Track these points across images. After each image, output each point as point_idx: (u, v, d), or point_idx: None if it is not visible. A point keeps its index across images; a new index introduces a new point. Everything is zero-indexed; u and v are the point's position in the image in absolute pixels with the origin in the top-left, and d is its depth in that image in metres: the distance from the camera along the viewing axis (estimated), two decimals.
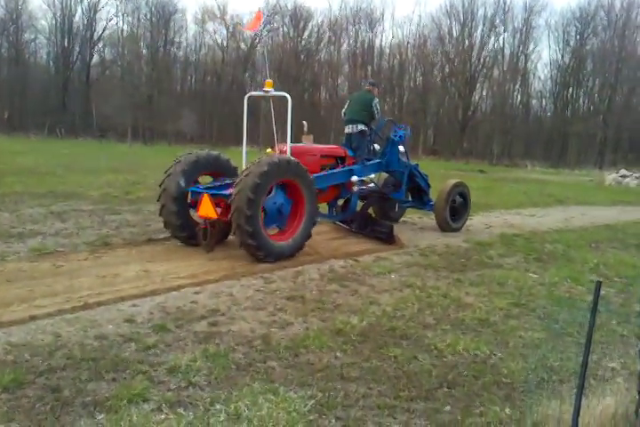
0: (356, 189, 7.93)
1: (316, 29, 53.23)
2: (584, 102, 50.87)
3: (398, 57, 53.90)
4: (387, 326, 4.39)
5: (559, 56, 50.96)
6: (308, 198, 6.63)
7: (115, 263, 5.88)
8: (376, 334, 4.19)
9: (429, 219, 9.69)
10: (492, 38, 51.14)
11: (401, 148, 8.79)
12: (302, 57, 52.97)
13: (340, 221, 8.28)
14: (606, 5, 47.56)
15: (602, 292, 5.77)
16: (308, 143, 7.86)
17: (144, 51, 50.13)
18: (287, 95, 6.98)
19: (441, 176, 22.84)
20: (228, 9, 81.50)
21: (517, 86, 51.99)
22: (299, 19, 52.56)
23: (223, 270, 5.79)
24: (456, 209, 9.06)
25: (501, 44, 50.82)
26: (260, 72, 52.28)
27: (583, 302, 5.41)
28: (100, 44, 50.76)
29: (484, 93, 53.33)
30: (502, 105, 50.24)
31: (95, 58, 50.82)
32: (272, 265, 6.08)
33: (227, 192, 6.35)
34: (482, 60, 51.77)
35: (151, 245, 6.87)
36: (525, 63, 51.80)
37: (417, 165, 9.26)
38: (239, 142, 47.57)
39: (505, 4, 49.97)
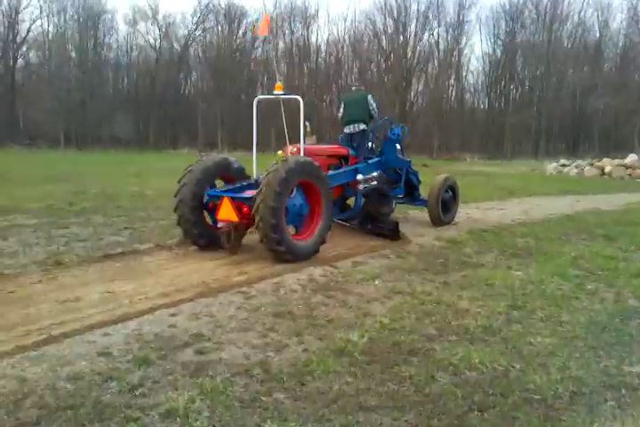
0: (361, 187, 7.98)
1: (251, 27, 52.46)
2: (517, 94, 52.13)
3: (335, 54, 53.87)
4: (390, 340, 4.03)
5: (491, 50, 52.13)
6: (325, 198, 6.78)
7: (73, 285, 5.29)
8: (381, 352, 3.82)
9: (398, 214, 9.50)
10: (426, 34, 51.74)
11: (397, 145, 8.99)
12: (237, 55, 52.17)
13: (342, 219, 8.25)
14: (534, 1, 48.91)
15: (589, 286, 5.69)
16: (312, 143, 7.79)
17: (72, 53, 48.16)
18: (299, 98, 7.03)
19: None
20: (160, 9, 79.73)
21: (452, 81, 52.83)
22: (233, 17, 51.69)
23: (195, 287, 5.31)
24: (446, 203, 9.31)
25: (435, 39, 51.50)
26: (197, 71, 51.36)
27: (577, 299, 5.22)
28: (25, 47, 48.44)
29: (421, 88, 53.89)
30: (438, 99, 50.99)
31: (20, 62, 48.42)
32: (246, 278, 5.65)
33: (247, 195, 6.54)
34: (417, 55, 52.39)
35: (109, 262, 6.28)
36: (459, 57, 52.72)
37: (410, 161, 9.40)
38: (176, 145, 47.31)
39: None
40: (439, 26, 51.57)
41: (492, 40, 52.02)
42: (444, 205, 9.26)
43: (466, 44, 52.82)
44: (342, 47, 53.84)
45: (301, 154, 6.95)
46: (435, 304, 4.94)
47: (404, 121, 49.30)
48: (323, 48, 54.09)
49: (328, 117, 52.97)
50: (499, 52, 51.58)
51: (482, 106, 54.74)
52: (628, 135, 42.94)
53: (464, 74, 53.22)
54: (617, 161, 24.39)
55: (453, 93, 53.42)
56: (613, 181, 22.55)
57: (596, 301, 5.20)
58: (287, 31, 52.50)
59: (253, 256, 6.60)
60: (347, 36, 53.75)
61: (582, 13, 48.66)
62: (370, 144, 8.79)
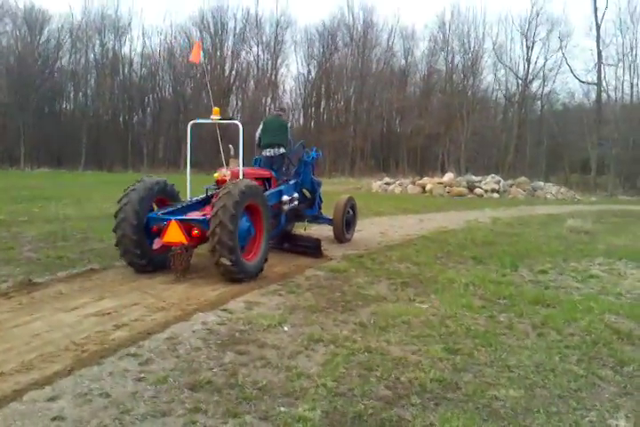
0: (286, 207, 8.25)
1: (55, 35, 48.20)
2: (332, 114, 53.98)
3: (148, 67, 51.57)
4: (348, 411, 3.29)
5: (306, 70, 53.45)
6: (266, 220, 7.02)
7: None
8: None
9: None
10: (244, 51, 51.71)
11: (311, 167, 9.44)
12: (39, 64, 47.51)
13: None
14: (348, 24, 51.25)
15: (501, 318, 5.43)
16: (235, 166, 7.61)
17: None
18: (238, 123, 7.28)
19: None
20: None
21: (269, 99, 53.23)
22: (34, 22, 47.02)
23: (65, 350, 4.09)
24: (348, 222, 9.86)
25: (254, 58, 51.64)
26: None
27: (503, 335, 4.91)
28: None
29: (239, 105, 53.64)
30: (256, 117, 51.04)
31: None
32: (128, 332, 4.54)
33: (195, 217, 6.73)
34: (234, 72, 52.16)
35: None
36: (275, 76, 53.32)
37: (321, 181, 9.89)
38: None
39: (255, 18, 50.99)
40: (257, 44, 51.92)
41: (307, 61, 53.39)
42: (347, 224, 9.79)
43: (282, 63, 53.64)
44: (157, 60, 51.80)
45: (241, 176, 7.12)
46: (366, 353, 4.29)
47: (222, 138, 48.69)
48: (135, 60, 51.47)
49: (146, 133, 50.71)
50: (313, 73, 53.06)
51: (299, 125, 55.89)
52: (432, 156, 46.61)
53: (281, 93, 53.95)
54: (436, 179, 25.98)
55: (271, 111, 53.80)
56: (435, 198, 23.92)
57: (520, 336, 4.92)
58: (97, 42, 49.09)
59: (121, 301, 5.47)
60: (161, 50, 51.67)
61: (390, 41, 52.02)
62: (287, 167, 9.06)
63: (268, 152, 8.64)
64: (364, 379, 3.81)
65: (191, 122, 7.52)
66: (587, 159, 40.85)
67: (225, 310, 5.32)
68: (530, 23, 45.30)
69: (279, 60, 52.85)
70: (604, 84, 41.63)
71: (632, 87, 42.03)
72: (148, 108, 52.55)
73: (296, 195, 8.66)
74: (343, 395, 3.53)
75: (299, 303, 5.68)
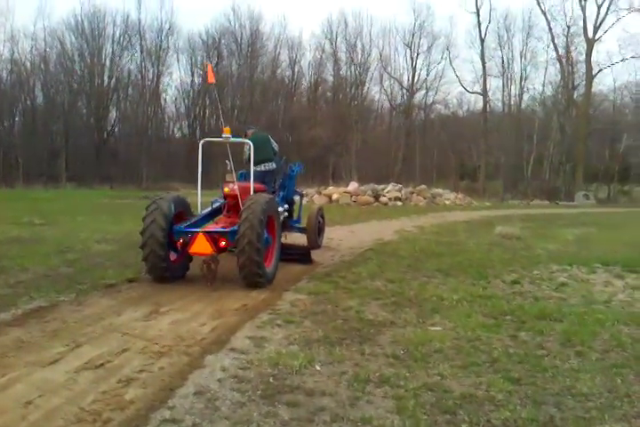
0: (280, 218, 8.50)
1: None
2: (221, 125, 52.67)
3: (16, 73, 47.62)
4: None
5: (189, 80, 51.87)
6: (278, 231, 7.86)
7: None
8: None
9: None
10: (125, 58, 49.35)
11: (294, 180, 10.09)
12: None
13: None
14: (234, 32, 50.43)
15: (523, 337, 5.16)
16: (233, 180, 7.96)
17: None
18: (249, 142, 8.11)
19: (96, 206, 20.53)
20: None
21: (152, 108, 51.12)
22: None
23: (80, 423, 3.23)
24: (320, 229, 10.48)
25: (136, 65, 49.38)
26: None
27: (543, 358, 4.61)
28: None
29: (120, 115, 51.09)
30: (140, 127, 48.78)
31: None
32: (143, 391, 3.73)
33: (221, 229, 7.33)
34: (114, 80, 49.57)
35: None
36: (157, 85, 51.27)
37: (302, 193, 10.62)
38: None
39: (137, 24, 48.82)
40: (140, 51, 49.71)
41: (192, 69, 51.83)
42: (318, 231, 10.35)
43: (165, 71, 51.69)
44: (25, 66, 47.88)
45: (251, 192, 7.68)
46: (430, 392, 3.81)
47: (102, 150, 45.91)
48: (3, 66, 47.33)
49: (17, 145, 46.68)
50: (197, 81, 51.57)
51: (183, 134, 54.10)
52: (325, 166, 46.79)
53: (164, 101, 52.02)
54: (342, 189, 25.97)
55: (153, 121, 51.45)
56: (345, 207, 23.82)
57: (560, 357, 4.64)
58: None
59: (104, 347, 4.60)
60: (31, 55, 47.87)
61: (277, 50, 51.92)
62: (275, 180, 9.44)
63: (260, 167, 8.81)
64: (455, 426, 3.33)
65: (203, 140, 8.02)
66: (474, 166, 42.94)
67: (233, 349, 4.61)
68: (413, 35, 47.06)
69: (162, 68, 50.98)
70: (490, 94, 44.12)
71: (510, 98, 44.86)
72: (17, 118, 48.41)
73: (286, 206, 9.45)
74: None
75: (308, 335, 5.07)
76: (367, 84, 50.08)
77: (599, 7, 41.31)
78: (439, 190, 29.99)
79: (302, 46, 53.32)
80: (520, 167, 40.53)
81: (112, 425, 3.22)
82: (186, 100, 52.48)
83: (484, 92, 43.30)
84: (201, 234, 6.90)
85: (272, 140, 9.19)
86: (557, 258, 9.99)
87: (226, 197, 7.98)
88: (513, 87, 44.58)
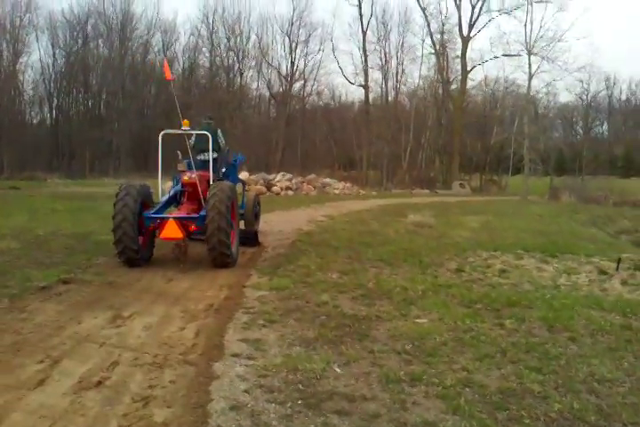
0: None
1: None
2: (88, 109, 49.48)
3: None
4: None
5: (51, 60, 48.06)
6: (237, 214, 8.48)
7: None
8: None
9: None
10: None
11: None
12: None
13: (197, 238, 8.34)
14: (101, 12, 47.34)
15: (509, 325, 5.22)
16: (183, 170, 8.53)
17: None
18: (208, 133, 8.45)
19: None
20: None
21: (9, 90, 46.81)
22: None
23: None
24: (256, 214, 10.67)
25: None
26: None
27: (545, 345, 4.68)
28: None
29: None
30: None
31: None
32: (169, 410, 3.30)
33: (193, 215, 7.67)
34: None
35: None
36: (14, 66, 46.97)
37: (245, 182, 11.29)
38: None
39: None
40: None
41: (54, 50, 47.94)
42: (255, 216, 10.55)
43: (23, 51, 47.28)
44: None
45: (211, 180, 8.17)
46: (467, 389, 3.72)
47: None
48: None
49: None
50: (62, 63, 47.91)
51: (42, 119, 50.06)
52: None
53: (22, 85, 47.76)
54: None
55: (11, 105, 47.01)
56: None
57: (559, 343, 4.76)
58: None
59: (89, 362, 4.04)
60: None
61: (150, 33, 49.51)
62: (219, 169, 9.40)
63: (201, 156, 8.99)
64: (518, 423, 3.24)
65: (162, 132, 8.20)
66: (355, 156, 43.82)
67: (237, 355, 4.23)
68: (292, 25, 46.83)
69: (19, 48, 46.62)
70: (371, 86, 45.04)
71: (387, 90, 46.22)
72: None
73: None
74: None
75: (302, 335, 4.79)
76: (246, 72, 49.25)
77: (473, 7, 43.35)
78: (327, 180, 30.25)
79: (176, 30, 51.38)
80: (399, 157, 41.93)
81: None
82: (47, 83, 48.52)
83: (366, 84, 44.26)
84: (171, 220, 7.33)
85: (220, 135, 9.29)
86: (478, 245, 10.36)
87: (184, 185, 8.33)
88: (391, 80, 45.97)
